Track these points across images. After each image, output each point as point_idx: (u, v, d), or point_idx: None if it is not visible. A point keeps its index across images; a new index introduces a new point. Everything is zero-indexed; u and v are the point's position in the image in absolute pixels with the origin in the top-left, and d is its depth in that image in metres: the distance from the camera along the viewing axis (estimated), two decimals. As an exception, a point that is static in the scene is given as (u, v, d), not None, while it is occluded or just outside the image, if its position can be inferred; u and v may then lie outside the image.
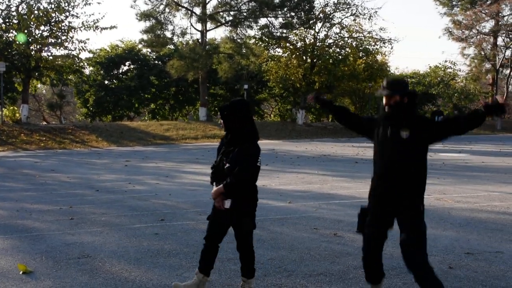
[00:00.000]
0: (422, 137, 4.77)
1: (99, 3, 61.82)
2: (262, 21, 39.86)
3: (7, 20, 33.71)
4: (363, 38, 42.17)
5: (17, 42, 33.37)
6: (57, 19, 33.88)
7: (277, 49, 42.79)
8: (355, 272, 6.23)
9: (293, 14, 39.75)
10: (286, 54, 42.33)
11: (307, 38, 41.66)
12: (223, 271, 6.28)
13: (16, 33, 33.61)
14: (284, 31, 40.43)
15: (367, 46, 42.43)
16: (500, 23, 47.86)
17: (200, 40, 39.20)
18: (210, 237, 5.43)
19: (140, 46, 44.58)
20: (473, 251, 7.17)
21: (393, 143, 4.81)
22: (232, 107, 5.25)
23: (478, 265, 6.54)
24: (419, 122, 4.82)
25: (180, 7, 38.58)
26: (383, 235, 4.91)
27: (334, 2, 40.68)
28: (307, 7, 39.76)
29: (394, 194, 4.81)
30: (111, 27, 38.90)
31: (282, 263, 6.59)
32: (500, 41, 48.79)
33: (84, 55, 38.97)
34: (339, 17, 41.41)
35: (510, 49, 48.26)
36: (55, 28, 34.04)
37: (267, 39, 41.08)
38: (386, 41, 42.47)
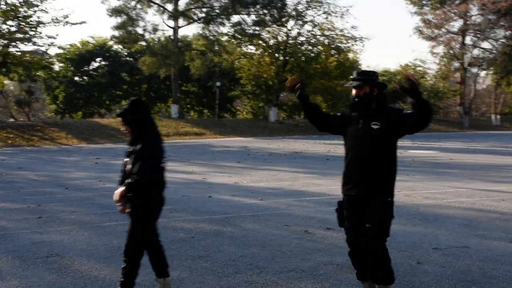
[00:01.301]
0: (393, 129, 4.79)
1: (69, -2, 61.05)
2: (235, 18, 39.92)
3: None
4: (335, 36, 42.45)
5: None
6: (25, 14, 33.35)
7: (249, 46, 42.86)
8: (326, 268, 6.27)
9: (265, 11, 39.81)
10: (258, 52, 42.38)
11: (280, 36, 41.77)
12: (194, 268, 6.27)
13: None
14: (257, 28, 40.46)
15: (339, 44, 42.72)
16: (468, 22, 48.57)
17: (172, 37, 39.03)
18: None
19: (111, 42, 44.18)
20: (441, 246, 7.27)
21: (364, 135, 4.82)
22: (133, 108, 5.07)
23: (445, 260, 6.63)
24: (390, 114, 4.84)
25: (152, 3, 38.36)
26: (362, 227, 4.88)
27: (306, 0, 40.83)
28: (279, 4, 39.84)
29: (365, 186, 4.83)
30: (81, 23, 38.85)
31: (253, 260, 6.60)
32: (468, 40, 49.57)
33: (53, 50, 38.96)
34: (311, 15, 41.63)
35: (478, 48, 49.04)
36: (23, 23, 33.49)
37: (239, 37, 41.08)
38: (357, 39, 42.83)
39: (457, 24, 49.19)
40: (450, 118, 55.84)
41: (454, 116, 55.60)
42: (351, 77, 4.99)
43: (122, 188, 5.00)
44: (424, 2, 53.04)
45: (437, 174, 15.27)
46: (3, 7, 32.69)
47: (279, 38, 41.65)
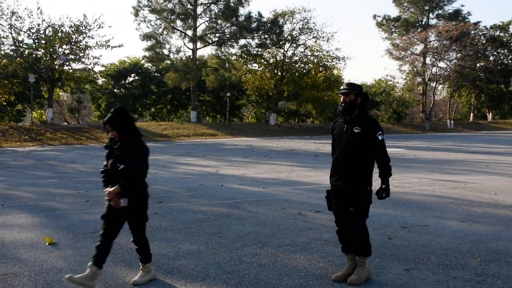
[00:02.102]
0: (370, 134, 4.80)
1: (110, 26, 60.95)
2: (242, 41, 39.82)
3: (36, 40, 33.18)
4: (322, 56, 42.34)
5: (44, 58, 32.86)
6: (76, 40, 33.44)
7: (253, 64, 42.74)
8: (316, 243, 6.28)
9: (266, 36, 39.80)
10: (261, 68, 42.30)
11: (278, 56, 41.70)
12: (209, 243, 6.27)
13: (43, 51, 33.09)
14: (259, 49, 40.43)
15: (326, 63, 42.60)
16: (428, 46, 48.58)
17: (191, 57, 38.96)
18: (106, 234, 4.80)
19: (143, 61, 44.18)
20: (407, 225, 7.27)
21: (347, 137, 4.83)
22: (118, 116, 4.64)
23: (410, 236, 6.64)
24: (369, 121, 4.86)
25: (175, 30, 38.30)
26: (347, 211, 4.88)
27: (299, 27, 40.79)
28: (277, 31, 39.85)
29: (348, 178, 4.84)
30: (119, 46, 38.66)
31: (257, 236, 6.61)
32: (428, 60, 49.60)
33: (97, 68, 38.75)
34: (304, 39, 41.53)
35: (436, 67, 49.15)
36: (74, 47, 33.59)
37: (245, 56, 41.01)
38: (340, 58, 42.74)
39: (419, 48, 49.15)
40: (414, 122, 55.74)
41: (417, 121, 55.51)
42: (341, 87, 5.01)
43: (116, 187, 4.66)
44: (393, 29, 53.10)
45: (404, 167, 15.25)
46: (60, 35, 32.77)
47: (278, 58, 41.59)
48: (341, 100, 4.89)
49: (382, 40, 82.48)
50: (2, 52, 32.50)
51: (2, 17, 31.51)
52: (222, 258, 5.63)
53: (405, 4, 52.89)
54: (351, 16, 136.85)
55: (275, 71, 41.41)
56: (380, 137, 4.82)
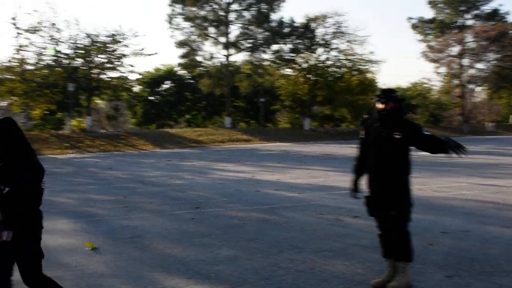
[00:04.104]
0: (408, 139, 4.73)
1: (144, 35, 62.25)
2: (275, 47, 39.90)
3: (74, 50, 34.10)
4: (356, 59, 41.96)
5: (82, 68, 33.73)
6: (112, 49, 34.19)
7: (286, 69, 42.72)
8: (353, 248, 6.21)
9: (299, 41, 39.75)
10: (294, 73, 42.25)
11: (311, 60, 41.55)
12: (246, 248, 6.27)
13: (82, 61, 33.96)
14: (292, 54, 40.41)
15: (360, 66, 42.20)
16: (464, 47, 47.56)
17: (225, 63, 39.27)
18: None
19: (177, 68, 44.79)
20: (447, 230, 7.10)
21: (386, 142, 4.76)
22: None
23: (451, 241, 6.48)
24: (408, 125, 4.79)
25: (208, 37, 38.71)
26: (388, 216, 4.78)
27: (332, 31, 40.56)
28: (310, 35, 39.74)
29: (387, 183, 4.77)
30: (154, 54, 39.33)
31: (294, 242, 6.58)
32: (465, 62, 48.52)
33: (133, 76, 39.65)
34: (336, 43, 41.26)
35: (473, 68, 48.03)
36: (111, 56, 34.34)
37: (278, 61, 41.04)
38: (374, 62, 42.25)
39: (455, 49, 48.16)
40: (452, 125, 54.45)
41: (455, 124, 54.21)
42: (377, 94, 4.93)
43: None
44: (428, 31, 52.17)
45: (443, 171, 14.93)
46: (97, 44, 33.59)
47: (311, 62, 41.45)
48: (380, 107, 4.82)
49: (417, 43, 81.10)
50: (43, 63, 33.49)
51: (43, 29, 32.50)
52: (259, 264, 5.62)
53: (440, 5, 51.90)
54: (384, 19, 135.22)
55: (308, 75, 41.26)
56: (426, 133, 4.78)
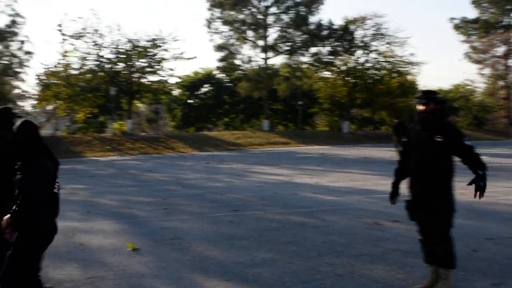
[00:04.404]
0: (450, 142, 4.62)
1: (184, 39, 62.94)
2: (313, 49, 39.75)
3: (116, 55, 34.91)
4: (396, 61, 41.30)
5: (123, 72, 34.51)
6: (152, 53, 34.82)
7: (325, 72, 42.47)
8: (393, 253, 6.10)
9: (338, 43, 39.48)
10: (333, 76, 41.96)
11: (349, 63, 41.17)
12: (285, 252, 6.26)
13: (124, 65, 34.72)
14: (331, 57, 40.16)
15: (400, 68, 41.50)
16: (510, 48, 46.04)
17: (263, 66, 39.38)
18: None
19: (216, 71, 45.21)
20: (493, 236, 6.89)
21: (427, 145, 4.66)
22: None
23: (496, 248, 6.29)
24: (451, 129, 4.68)
25: (247, 40, 38.90)
26: (430, 221, 4.69)
27: (371, 33, 40.08)
28: (349, 37, 39.42)
29: (429, 187, 4.68)
30: (193, 57, 39.81)
31: (332, 246, 6.53)
32: (511, 62, 46.96)
33: (172, 80, 40.05)
34: (376, 45, 40.72)
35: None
36: (151, 60, 34.99)
37: (317, 64, 40.85)
38: (415, 64, 41.45)
39: (501, 50, 46.67)
40: (496, 128, 52.78)
41: (500, 127, 52.51)
42: (418, 95, 4.83)
43: (7, 216, 3.69)
44: (471, 32, 50.76)
45: (489, 176, 14.44)
46: (138, 49, 34.29)
47: (349, 65, 41.08)
48: (421, 109, 4.73)
49: (459, 44, 79.10)
50: (87, 68, 34.46)
51: (87, 35, 33.45)
52: (297, 267, 5.60)
53: (484, 4, 50.42)
54: (425, 20, 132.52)
55: (347, 78, 40.88)
56: (467, 143, 4.64)
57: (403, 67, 41.65)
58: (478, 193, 4.70)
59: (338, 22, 43.13)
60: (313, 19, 39.09)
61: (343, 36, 39.31)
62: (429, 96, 4.71)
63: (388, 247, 6.40)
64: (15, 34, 31.81)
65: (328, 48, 39.84)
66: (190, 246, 6.63)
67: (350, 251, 6.26)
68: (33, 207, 3.59)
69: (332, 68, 41.21)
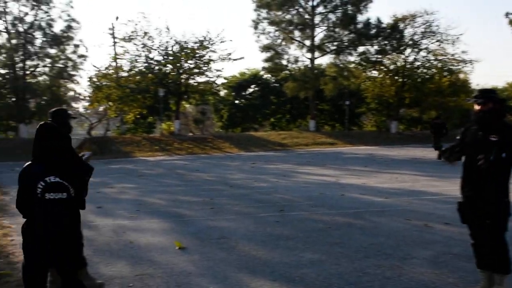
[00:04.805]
0: (506, 142, 4.42)
1: (231, 40, 63.63)
2: (360, 49, 39.18)
3: (164, 56, 35.60)
4: (447, 60, 40.12)
5: (172, 73, 35.15)
6: (200, 54, 35.29)
7: (373, 71, 41.80)
8: (444, 257, 5.93)
9: (386, 42, 38.77)
10: (381, 75, 41.24)
11: (398, 62, 40.35)
12: (331, 253, 6.20)
13: (172, 67, 35.35)
14: (379, 56, 39.49)
15: (451, 67, 40.30)
16: None
17: (309, 66, 39.17)
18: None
19: (262, 72, 45.31)
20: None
21: (483, 145, 4.49)
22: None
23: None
24: (508, 129, 4.49)
25: (293, 41, 38.79)
26: (483, 224, 4.54)
27: (421, 31, 39.10)
28: (398, 36, 38.64)
29: (483, 189, 4.51)
30: (240, 58, 40.02)
31: (380, 248, 6.41)
32: None
33: (219, 81, 40.40)
34: (426, 43, 39.68)
35: None
36: (199, 61, 35.47)
37: (364, 63, 40.27)
38: (467, 61, 40.12)
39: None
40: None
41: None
42: (475, 94, 4.67)
43: None
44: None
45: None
46: (186, 51, 34.83)
47: (398, 64, 40.26)
48: (477, 108, 4.56)
49: (515, 40, 75.98)
50: (137, 70, 35.33)
51: (137, 38, 34.30)
52: (344, 269, 5.54)
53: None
54: (479, 16, 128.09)
55: (396, 77, 40.08)
56: None
57: (455, 65, 40.44)
58: None
59: (386, 20, 42.37)
60: (361, 18, 38.60)
61: (391, 34, 38.57)
62: (487, 95, 4.55)
63: (439, 250, 6.22)
64: (71, 38, 32.95)
65: (376, 47, 39.19)
66: (236, 246, 6.67)
67: (398, 253, 6.13)
68: (21, 209, 3.68)
69: (380, 67, 40.53)
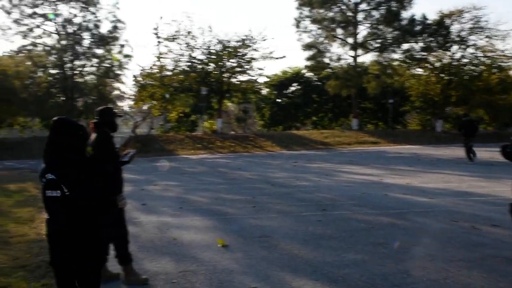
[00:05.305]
0: None
1: (273, 38, 63.62)
2: (405, 46, 38.40)
3: (207, 55, 35.96)
4: (496, 56, 38.79)
5: (214, 72, 35.49)
6: (242, 53, 35.45)
7: (417, 68, 40.90)
8: (493, 260, 5.75)
9: (431, 39, 37.86)
10: (426, 73, 40.31)
11: (444, 59, 39.31)
12: (374, 253, 6.12)
13: (214, 66, 35.68)
14: (424, 53, 38.60)
15: (500, 63, 38.94)
16: None
17: (352, 64, 38.72)
18: None
19: (304, 70, 45.13)
20: None
21: None
22: None
23: None
24: None
25: (336, 38, 38.44)
26: None
27: (469, 27, 37.95)
28: (444, 32, 37.65)
29: None
30: (282, 57, 39.93)
31: (425, 249, 6.28)
32: None
33: (261, 79, 40.39)
34: (474, 40, 38.49)
35: None
36: (241, 60, 35.64)
37: (409, 61, 39.45)
38: (519, 58, 38.63)
39: None
40: None
41: None
42: None
43: None
44: None
45: None
46: (228, 49, 35.08)
47: (444, 61, 39.22)
48: None
49: None
50: (180, 69, 35.85)
51: (180, 37, 34.81)
52: (388, 270, 5.45)
53: None
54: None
55: (441, 75, 39.07)
56: None
57: (505, 62, 39.05)
58: None
59: (432, 16, 41.34)
60: (405, 14, 37.83)
61: (437, 31, 37.61)
62: None
63: (487, 253, 6.03)
64: (116, 39, 33.76)
65: (421, 44, 38.33)
66: (278, 244, 6.67)
67: (444, 255, 5.98)
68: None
69: (425, 64, 39.61)
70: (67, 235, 3.52)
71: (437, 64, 39.43)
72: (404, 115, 48.02)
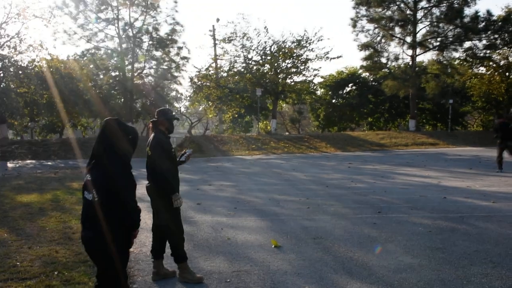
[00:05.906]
0: None
1: (328, 39, 63.03)
2: (467, 44, 37.05)
3: (262, 56, 36.13)
4: None
5: (270, 73, 35.60)
6: (297, 54, 35.37)
7: (480, 67, 39.34)
8: (560, 269, 5.44)
9: (496, 36, 36.28)
10: (489, 72, 38.68)
11: (510, 57, 37.57)
12: (432, 258, 5.93)
13: (268, 67, 35.80)
14: (488, 51, 37.06)
15: None
16: None
17: (410, 63, 37.76)
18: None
19: (360, 71, 44.44)
20: None
21: None
22: None
23: None
24: None
25: (394, 37, 37.61)
26: None
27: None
28: (510, 29, 35.95)
29: None
30: (338, 57, 39.46)
31: (487, 255, 6.02)
32: None
33: (317, 80, 40.07)
34: (542, 37, 36.59)
35: None
36: (296, 61, 35.57)
37: (471, 60, 38.02)
38: None
39: None
40: None
41: None
42: None
43: None
44: None
45: None
46: (283, 50, 35.08)
47: (510, 59, 37.49)
48: None
49: None
50: (235, 70, 36.22)
51: (236, 39, 35.17)
52: (447, 275, 5.28)
53: None
54: None
55: (507, 73, 37.38)
56: None
57: None
58: None
59: (497, 12, 39.61)
60: (468, 11, 36.54)
61: (503, 27, 36.00)
62: None
63: (554, 262, 5.72)
64: (175, 41, 34.53)
65: (485, 42, 36.83)
66: (332, 246, 6.61)
67: (507, 262, 5.72)
68: None
69: (489, 63, 38.03)
70: (93, 241, 3.50)
71: (502, 63, 37.78)
72: (464, 116, 46.37)
